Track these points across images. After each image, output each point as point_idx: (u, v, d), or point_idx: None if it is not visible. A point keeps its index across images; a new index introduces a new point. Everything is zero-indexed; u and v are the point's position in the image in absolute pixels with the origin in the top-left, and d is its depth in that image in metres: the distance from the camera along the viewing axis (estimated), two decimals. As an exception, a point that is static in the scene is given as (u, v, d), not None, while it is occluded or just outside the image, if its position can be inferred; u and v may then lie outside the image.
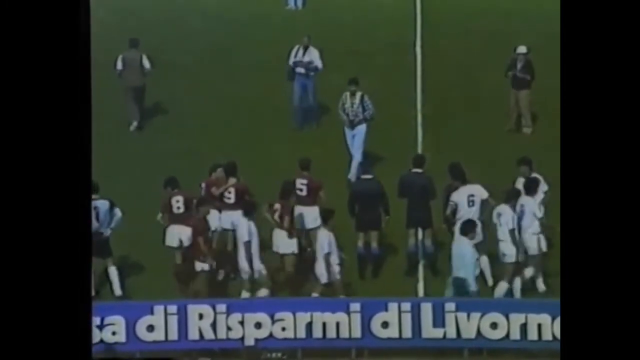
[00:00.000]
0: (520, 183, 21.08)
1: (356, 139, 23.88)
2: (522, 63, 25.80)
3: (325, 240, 20.46)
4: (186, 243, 20.86)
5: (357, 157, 23.66)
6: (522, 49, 25.87)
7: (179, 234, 21.15)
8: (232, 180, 21.45)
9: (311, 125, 25.90)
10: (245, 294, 20.77)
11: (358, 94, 24.05)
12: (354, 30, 31.03)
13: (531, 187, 20.78)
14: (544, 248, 20.60)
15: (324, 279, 20.37)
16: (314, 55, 26.55)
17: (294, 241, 21.02)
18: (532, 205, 20.64)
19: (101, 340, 19.27)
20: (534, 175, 21.06)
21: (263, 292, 20.74)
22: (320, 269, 20.38)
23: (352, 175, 23.26)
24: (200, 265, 20.54)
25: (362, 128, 23.93)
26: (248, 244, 20.75)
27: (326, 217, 20.67)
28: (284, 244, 21.06)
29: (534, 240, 20.53)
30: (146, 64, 26.91)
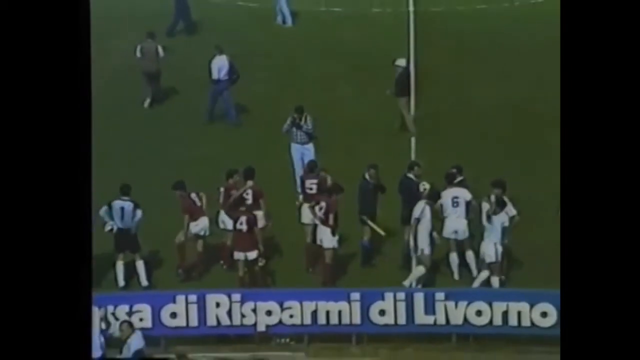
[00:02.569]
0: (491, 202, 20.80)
1: (305, 157, 23.73)
2: (402, 72, 26.23)
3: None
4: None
5: (299, 171, 23.53)
6: (401, 62, 26.35)
7: (204, 227, 21.35)
8: (250, 184, 21.50)
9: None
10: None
11: (308, 117, 23.98)
12: (349, 49, 31.04)
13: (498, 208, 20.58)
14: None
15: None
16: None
17: (336, 238, 20.94)
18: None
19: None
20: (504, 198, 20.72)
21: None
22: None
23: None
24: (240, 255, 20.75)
25: (310, 146, 24.00)
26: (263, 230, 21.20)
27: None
28: (327, 239, 20.96)
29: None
30: (160, 52, 28.11)
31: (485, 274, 20.59)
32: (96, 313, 18.92)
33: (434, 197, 20.81)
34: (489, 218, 20.40)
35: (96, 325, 18.59)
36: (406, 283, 20.69)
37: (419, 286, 20.72)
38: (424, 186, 21.15)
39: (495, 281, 20.54)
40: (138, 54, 28.49)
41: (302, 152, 23.94)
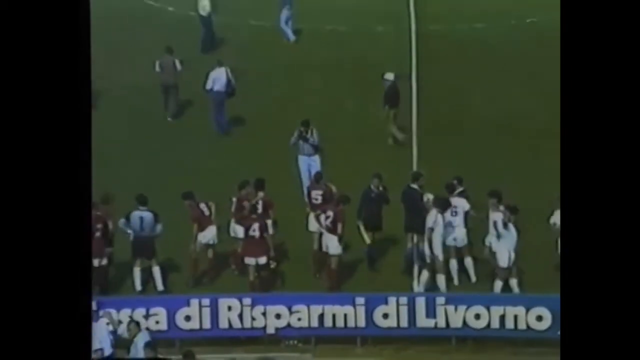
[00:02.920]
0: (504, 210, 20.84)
1: (313, 168, 23.90)
2: (390, 86, 26.57)
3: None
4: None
5: (306, 182, 23.69)
6: (389, 76, 26.65)
7: (212, 237, 21.48)
8: (261, 194, 21.65)
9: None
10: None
11: (314, 130, 24.23)
12: (353, 64, 31.23)
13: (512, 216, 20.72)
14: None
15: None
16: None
17: (341, 245, 21.03)
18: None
19: (147, 328, 19.02)
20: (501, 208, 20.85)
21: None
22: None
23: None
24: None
25: (316, 157, 24.18)
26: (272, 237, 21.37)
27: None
28: (333, 246, 21.02)
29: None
30: (178, 66, 28.35)
31: (499, 282, 20.61)
32: (108, 315, 19.22)
33: (444, 205, 20.84)
34: (505, 225, 20.44)
35: (103, 327, 18.71)
36: (421, 288, 20.78)
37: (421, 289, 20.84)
38: (428, 197, 21.22)
39: (513, 283, 20.55)
40: (157, 69, 28.74)
41: (309, 164, 24.13)
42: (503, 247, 20.50)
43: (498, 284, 20.60)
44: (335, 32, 35.08)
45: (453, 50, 32.63)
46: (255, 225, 21.01)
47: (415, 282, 21.11)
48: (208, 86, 27.62)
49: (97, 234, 20.82)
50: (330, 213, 21.14)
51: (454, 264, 21.33)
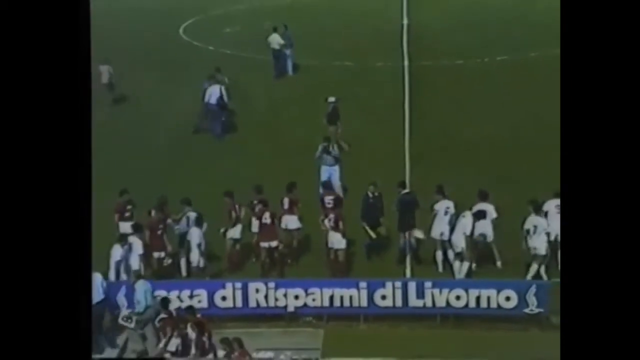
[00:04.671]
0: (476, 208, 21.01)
1: (333, 176, 24.24)
2: (332, 107, 27.26)
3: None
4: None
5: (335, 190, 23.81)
6: (331, 99, 27.36)
7: (238, 233, 21.53)
8: (290, 195, 21.96)
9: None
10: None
11: (335, 145, 24.55)
12: (357, 94, 31.56)
13: (480, 214, 20.95)
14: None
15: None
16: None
17: (345, 240, 21.19)
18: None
19: (190, 307, 18.86)
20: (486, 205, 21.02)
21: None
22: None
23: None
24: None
25: (336, 167, 24.42)
26: (298, 231, 21.90)
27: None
28: (338, 241, 21.15)
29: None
30: (224, 92, 28.84)
31: (534, 267, 20.50)
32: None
33: (480, 215, 20.87)
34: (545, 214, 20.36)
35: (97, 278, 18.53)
36: (461, 276, 20.70)
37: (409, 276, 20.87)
38: (448, 209, 21.12)
39: (542, 270, 20.42)
40: (206, 85, 29.18)
41: (330, 173, 24.41)
42: (536, 237, 20.38)
43: (532, 271, 20.44)
44: (342, 66, 35.56)
45: (440, 82, 32.98)
46: (267, 214, 21.22)
47: (439, 267, 21.16)
48: (205, 99, 28.45)
49: (159, 231, 21.06)
50: (331, 215, 21.34)
51: (439, 254, 21.43)
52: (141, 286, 19.16)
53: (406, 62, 34.53)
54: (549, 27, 38.19)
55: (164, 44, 38.32)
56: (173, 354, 18.00)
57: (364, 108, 30.67)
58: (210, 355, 17.66)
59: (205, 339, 17.90)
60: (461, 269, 20.95)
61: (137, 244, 20.54)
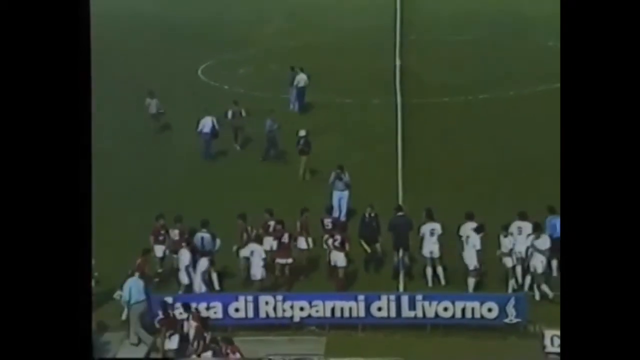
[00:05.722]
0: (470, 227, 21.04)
1: (343, 200, 24.44)
2: (303, 140, 27.74)
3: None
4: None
5: (343, 212, 24.11)
6: (302, 132, 27.95)
7: (249, 252, 21.40)
8: (302, 219, 22.17)
9: None
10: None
11: (346, 173, 24.67)
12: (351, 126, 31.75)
13: (479, 229, 20.94)
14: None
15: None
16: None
17: (346, 259, 21.26)
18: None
19: (207, 318, 18.82)
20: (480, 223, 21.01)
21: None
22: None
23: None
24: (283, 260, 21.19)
25: (346, 193, 24.59)
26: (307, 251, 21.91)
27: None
28: (340, 260, 21.22)
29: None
30: (243, 113, 30.78)
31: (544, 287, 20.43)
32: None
33: (478, 230, 20.79)
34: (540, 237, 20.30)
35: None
36: (470, 290, 20.64)
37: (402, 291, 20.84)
38: (434, 230, 21.13)
39: (546, 288, 20.18)
40: (229, 115, 30.92)
41: (340, 197, 24.55)
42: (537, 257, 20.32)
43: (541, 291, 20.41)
44: (343, 103, 35.70)
45: (429, 117, 33.14)
46: (286, 235, 21.35)
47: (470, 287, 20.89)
48: (198, 129, 29.94)
49: (184, 243, 21.08)
50: (338, 237, 21.39)
51: (429, 270, 21.47)
52: (128, 282, 19.28)
53: (399, 99, 34.58)
54: (524, 69, 38.73)
55: (185, 83, 38.57)
56: (175, 351, 18.02)
57: (361, 139, 30.94)
58: (208, 354, 17.58)
59: (206, 334, 17.86)
60: (469, 283, 20.89)
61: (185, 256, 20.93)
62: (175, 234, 21.79)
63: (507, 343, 19.14)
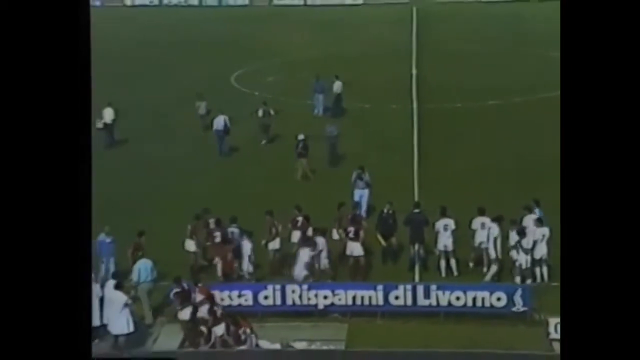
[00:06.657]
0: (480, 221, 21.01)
1: (363, 198, 24.18)
2: (302, 144, 27.36)
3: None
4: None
5: (363, 208, 23.82)
6: (301, 136, 27.49)
7: (278, 245, 21.36)
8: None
9: None
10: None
11: (367, 172, 24.41)
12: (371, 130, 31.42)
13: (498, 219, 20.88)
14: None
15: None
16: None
17: (362, 247, 21.09)
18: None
19: (230, 305, 18.79)
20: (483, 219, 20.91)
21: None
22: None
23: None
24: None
25: (367, 191, 24.31)
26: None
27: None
28: (357, 250, 21.05)
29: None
30: (272, 112, 31.11)
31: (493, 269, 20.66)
32: None
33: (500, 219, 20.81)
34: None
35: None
36: (487, 278, 20.51)
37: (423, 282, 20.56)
38: (447, 226, 20.99)
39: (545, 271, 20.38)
40: (260, 113, 31.14)
41: (361, 195, 24.32)
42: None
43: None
44: (363, 108, 35.58)
45: (443, 121, 32.80)
46: (310, 229, 21.17)
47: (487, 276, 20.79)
48: (213, 127, 30.28)
49: (217, 239, 20.94)
50: (351, 228, 21.16)
51: (442, 263, 21.34)
52: (137, 264, 19.13)
53: (415, 105, 34.61)
54: (530, 78, 38.50)
55: (220, 89, 38.64)
56: (187, 322, 17.85)
57: (380, 142, 30.77)
58: (221, 326, 17.34)
59: (217, 308, 17.70)
60: (489, 272, 20.79)
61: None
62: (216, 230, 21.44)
63: (514, 330, 19.01)
